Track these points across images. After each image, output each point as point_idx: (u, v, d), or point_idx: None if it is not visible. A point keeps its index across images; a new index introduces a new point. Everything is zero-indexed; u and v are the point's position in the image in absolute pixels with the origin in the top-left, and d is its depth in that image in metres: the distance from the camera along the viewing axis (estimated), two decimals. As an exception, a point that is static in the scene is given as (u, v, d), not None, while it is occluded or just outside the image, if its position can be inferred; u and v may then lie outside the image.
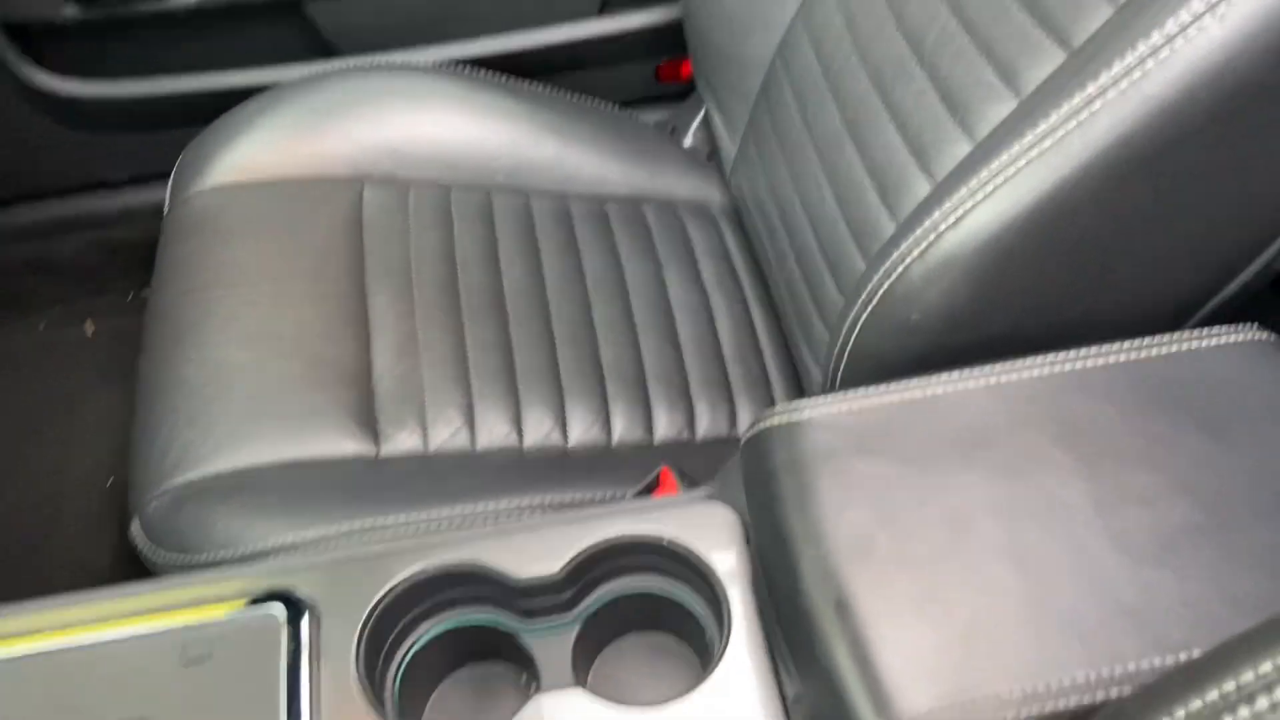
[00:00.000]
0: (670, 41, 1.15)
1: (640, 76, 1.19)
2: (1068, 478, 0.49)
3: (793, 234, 0.83)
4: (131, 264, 1.20)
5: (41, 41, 1.08)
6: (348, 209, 0.90)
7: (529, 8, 1.11)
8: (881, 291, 0.61)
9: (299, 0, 1.06)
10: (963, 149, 0.64)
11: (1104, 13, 0.58)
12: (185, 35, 1.09)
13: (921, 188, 0.67)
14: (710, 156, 1.04)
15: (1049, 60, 0.60)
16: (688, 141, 1.06)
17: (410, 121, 0.95)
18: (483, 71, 1.00)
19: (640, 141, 1.01)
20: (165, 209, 0.95)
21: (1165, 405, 0.52)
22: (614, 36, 1.14)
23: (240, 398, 0.78)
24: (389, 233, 0.90)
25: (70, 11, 1.02)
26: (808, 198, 0.81)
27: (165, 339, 0.83)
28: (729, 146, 0.97)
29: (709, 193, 1.01)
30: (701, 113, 1.06)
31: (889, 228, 0.69)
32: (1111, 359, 0.53)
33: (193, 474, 0.75)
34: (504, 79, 1.00)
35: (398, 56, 1.05)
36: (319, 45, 1.10)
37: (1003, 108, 0.62)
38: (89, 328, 1.30)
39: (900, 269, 0.60)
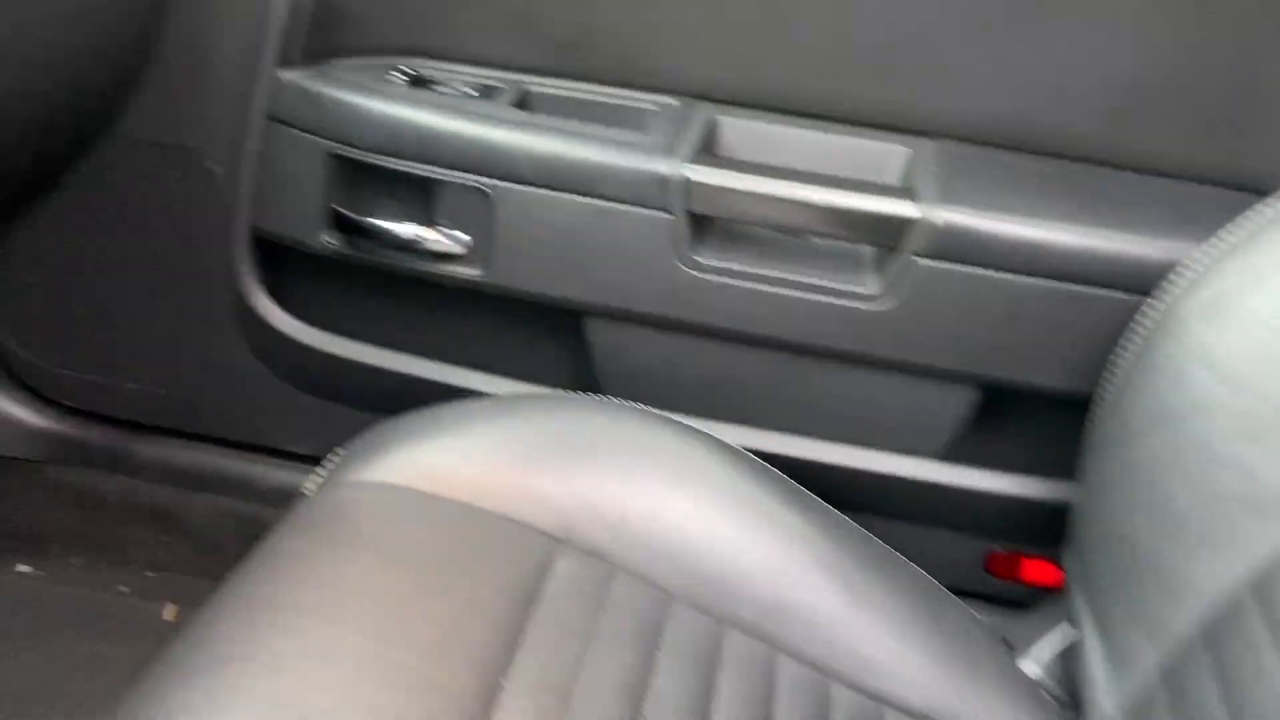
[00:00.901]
0: (1017, 526, 0.84)
1: (962, 556, 0.88)
2: None
3: None
4: None
5: (276, 268, 0.92)
6: (527, 574, 0.61)
7: (849, 419, 0.85)
8: None
9: (581, 310, 0.85)
10: None
11: None
12: (442, 308, 0.91)
13: None
14: (1060, 700, 0.68)
15: None
16: (1029, 670, 0.71)
17: (649, 490, 0.67)
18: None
19: (960, 640, 0.67)
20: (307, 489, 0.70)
21: None
22: (943, 489, 0.84)
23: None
24: (566, 627, 0.58)
25: (329, 241, 0.86)
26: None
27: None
28: (1105, 695, 0.61)
29: (1050, 754, 0.64)
30: (1057, 631, 0.72)
31: None
32: None
33: None
34: (795, 485, 0.71)
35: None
36: (584, 374, 0.88)
37: None
38: (169, 611, 1.03)
39: None
